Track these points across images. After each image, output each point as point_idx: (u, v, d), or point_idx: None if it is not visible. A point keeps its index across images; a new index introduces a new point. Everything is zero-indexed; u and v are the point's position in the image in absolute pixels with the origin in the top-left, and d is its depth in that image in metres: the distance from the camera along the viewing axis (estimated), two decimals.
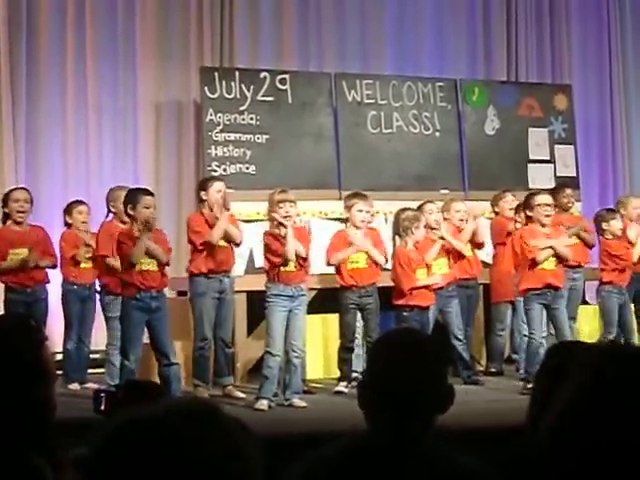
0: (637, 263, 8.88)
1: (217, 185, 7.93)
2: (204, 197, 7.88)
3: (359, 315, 7.98)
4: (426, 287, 7.95)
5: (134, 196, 7.26)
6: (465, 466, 2.36)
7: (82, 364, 8.42)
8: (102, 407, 2.15)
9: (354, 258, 7.93)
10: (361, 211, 7.95)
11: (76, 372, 8.31)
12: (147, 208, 7.17)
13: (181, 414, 1.42)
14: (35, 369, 1.89)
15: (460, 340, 8.36)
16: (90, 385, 8.02)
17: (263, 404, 7.17)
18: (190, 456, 1.37)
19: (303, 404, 7.30)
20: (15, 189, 8.20)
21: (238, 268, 8.58)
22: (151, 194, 7.33)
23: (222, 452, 1.40)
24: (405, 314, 7.86)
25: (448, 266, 8.45)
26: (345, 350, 8.02)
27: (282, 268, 7.42)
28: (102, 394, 2.14)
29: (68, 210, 8.49)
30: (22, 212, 7.91)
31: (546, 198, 8.03)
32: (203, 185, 8.04)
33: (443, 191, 9.81)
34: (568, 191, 9.16)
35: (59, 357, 8.43)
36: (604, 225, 8.71)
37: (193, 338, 7.81)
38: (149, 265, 7.15)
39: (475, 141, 10.45)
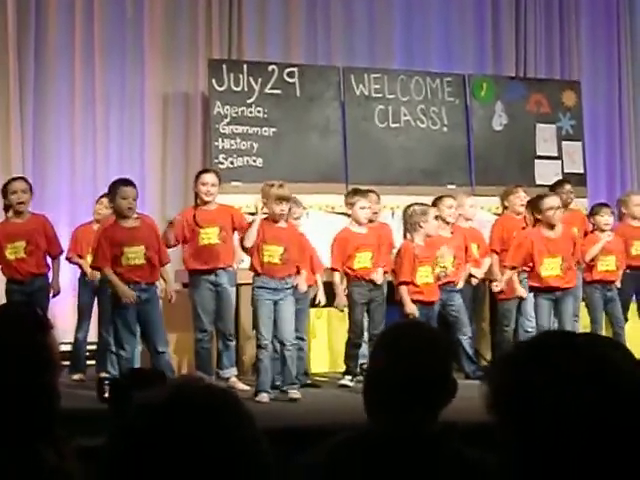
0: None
1: (202, 177, 7.91)
2: (195, 190, 7.92)
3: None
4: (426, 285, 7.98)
5: (113, 187, 7.25)
6: (472, 458, 2.36)
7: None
8: (106, 394, 2.15)
9: (361, 258, 7.93)
10: (364, 208, 7.98)
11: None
12: (124, 199, 7.16)
13: (196, 401, 1.42)
14: (40, 357, 1.89)
15: (465, 334, 8.35)
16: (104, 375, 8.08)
17: (263, 397, 7.19)
18: (202, 445, 1.37)
19: (297, 395, 7.27)
20: (12, 180, 8.01)
21: (244, 261, 8.58)
22: (131, 184, 7.25)
23: (242, 441, 1.40)
24: None
25: (452, 265, 8.46)
26: (353, 346, 8.04)
27: (265, 259, 7.41)
28: (106, 382, 2.14)
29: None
30: (21, 203, 7.81)
31: (554, 200, 8.14)
32: (195, 178, 8.05)
33: (450, 186, 9.80)
34: (567, 187, 9.20)
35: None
36: (591, 219, 8.84)
37: (193, 330, 7.83)
38: (136, 259, 7.15)
39: (482, 136, 10.43)
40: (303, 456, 2.42)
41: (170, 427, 1.36)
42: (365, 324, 8.06)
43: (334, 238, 8.06)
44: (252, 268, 7.48)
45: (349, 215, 8.26)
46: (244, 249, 7.50)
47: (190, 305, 7.84)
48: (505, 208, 9.12)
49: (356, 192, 8.14)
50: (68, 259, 8.37)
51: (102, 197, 8.43)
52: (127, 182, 7.27)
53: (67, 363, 8.09)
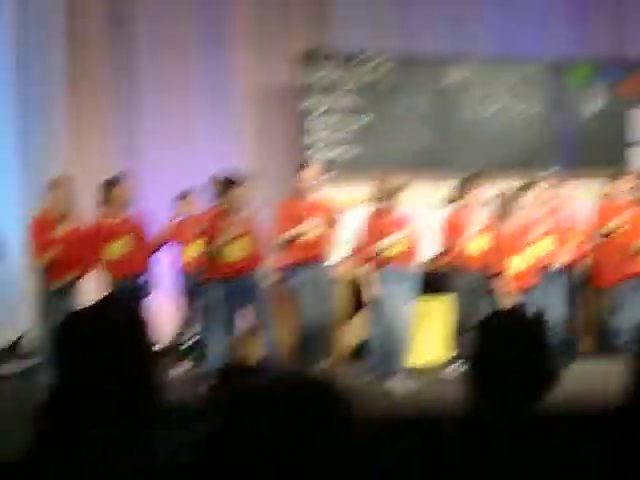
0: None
1: (305, 171, 7.99)
2: (297, 183, 7.98)
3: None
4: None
5: (226, 185, 7.53)
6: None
7: None
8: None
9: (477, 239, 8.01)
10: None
11: None
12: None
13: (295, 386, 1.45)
14: (148, 355, 1.95)
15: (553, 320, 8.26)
16: None
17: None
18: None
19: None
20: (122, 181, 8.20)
21: (340, 253, 8.59)
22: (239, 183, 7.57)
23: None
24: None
25: (551, 245, 8.41)
26: (464, 333, 8.02)
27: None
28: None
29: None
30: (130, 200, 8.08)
31: None
32: (296, 171, 8.12)
33: (545, 172, 9.67)
34: None
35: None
36: None
37: (298, 321, 7.87)
38: (239, 252, 7.37)
39: (576, 121, 10.28)
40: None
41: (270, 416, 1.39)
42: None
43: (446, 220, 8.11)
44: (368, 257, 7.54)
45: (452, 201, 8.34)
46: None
47: (285, 299, 7.91)
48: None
49: (474, 177, 8.20)
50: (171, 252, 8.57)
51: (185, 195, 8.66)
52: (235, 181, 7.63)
53: None
